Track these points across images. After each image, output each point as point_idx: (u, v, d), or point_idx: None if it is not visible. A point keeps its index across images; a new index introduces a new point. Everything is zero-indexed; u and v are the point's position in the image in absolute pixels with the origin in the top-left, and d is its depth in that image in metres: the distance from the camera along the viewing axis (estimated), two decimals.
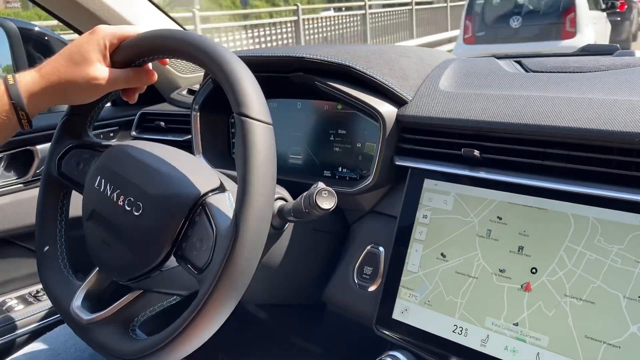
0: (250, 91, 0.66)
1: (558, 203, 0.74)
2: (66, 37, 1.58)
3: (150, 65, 0.84)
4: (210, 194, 0.71)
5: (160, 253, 0.70)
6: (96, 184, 0.79)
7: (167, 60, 0.84)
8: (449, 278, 0.80)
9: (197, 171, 0.75)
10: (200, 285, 0.64)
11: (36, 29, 1.45)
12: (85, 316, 0.80)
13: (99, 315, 0.78)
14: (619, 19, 8.73)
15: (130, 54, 0.79)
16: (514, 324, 0.73)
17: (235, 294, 0.62)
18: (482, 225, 0.79)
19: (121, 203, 0.74)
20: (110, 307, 0.78)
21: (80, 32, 1.36)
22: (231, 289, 0.61)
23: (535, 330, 0.72)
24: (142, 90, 0.87)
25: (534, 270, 0.73)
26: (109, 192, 0.76)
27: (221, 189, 0.73)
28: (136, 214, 0.72)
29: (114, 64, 0.79)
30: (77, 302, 0.82)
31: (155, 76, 0.85)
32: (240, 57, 0.71)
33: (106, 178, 0.78)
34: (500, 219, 0.77)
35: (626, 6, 8.44)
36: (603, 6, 8.17)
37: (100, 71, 0.77)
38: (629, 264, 0.67)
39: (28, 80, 0.76)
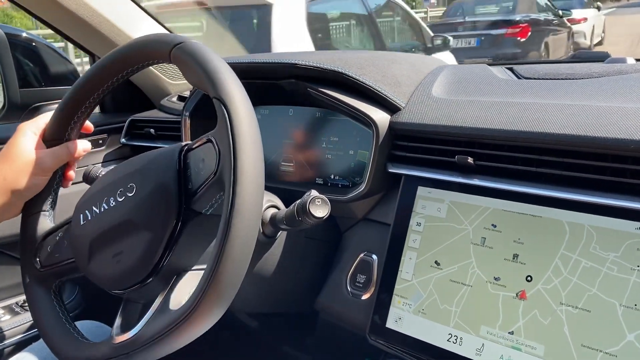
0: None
1: (553, 210, 0.73)
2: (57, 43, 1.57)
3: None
4: (192, 145, 0.71)
5: (172, 211, 0.68)
6: (82, 222, 0.76)
7: (91, 127, 0.90)
8: (443, 286, 0.80)
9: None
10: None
11: (24, 34, 1.44)
12: (127, 335, 0.70)
13: (135, 331, 0.69)
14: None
15: (60, 127, 0.84)
16: (509, 333, 0.73)
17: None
18: (476, 233, 0.78)
19: (113, 202, 0.72)
20: (142, 321, 0.70)
21: (68, 37, 1.34)
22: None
23: (531, 339, 0.71)
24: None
25: (529, 278, 0.73)
26: (97, 211, 0.74)
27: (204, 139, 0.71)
28: (131, 194, 0.71)
29: (49, 144, 0.84)
30: (116, 332, 0.73)
31: (89, 146, 0.90)
32: (230, 63, 0.70)
33: (87, 207, 0.76)
34: (495, 226, 0.77)
35: (529, 33, 7.32)
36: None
37: (43, 156, 0.82)
38: (624, 272, 0.67)
39: None
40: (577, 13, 9.86)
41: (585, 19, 10.15)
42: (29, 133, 0.84)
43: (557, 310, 0.70)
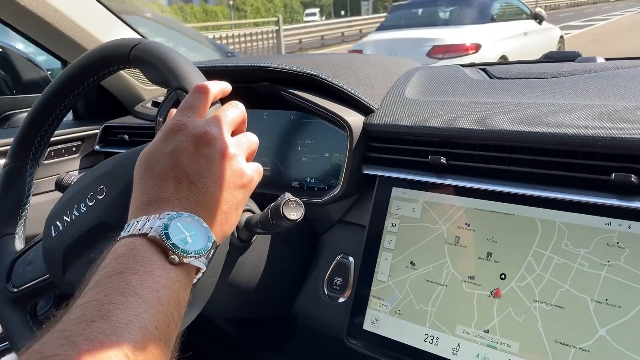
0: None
1: (525, 208, 0.74)
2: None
3: None
4: None
5: None
6: (53, 233, 0.75)
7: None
8: (419, 286, 0.80)
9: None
10: None
11: None
12: None
13: None
14: None
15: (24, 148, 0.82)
16: (484, 331, 0.73)
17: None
18: (450, 232, 0.79)
19: (84, 208, 0.71)
20: None
21: (37, 43, 1.32)
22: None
23: (506, 336, 0.71)
24: None
25: (502, 276, 0.73)
26: (68, 220, 0.73)
27: None
28: (101, 197, 0.70)
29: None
30: None
31: None
32: (203, 67, 0.70)
33: (57, 217, 0.75)
34: (469, 225, 0.77)
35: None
36: None
37: None
38: (595, 267, 0.67)
39: None
40: (460, 34, 6.86)
41: (476, 47, 6.56)
42: None
43: (530, 308, 0.70)
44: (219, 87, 0.63)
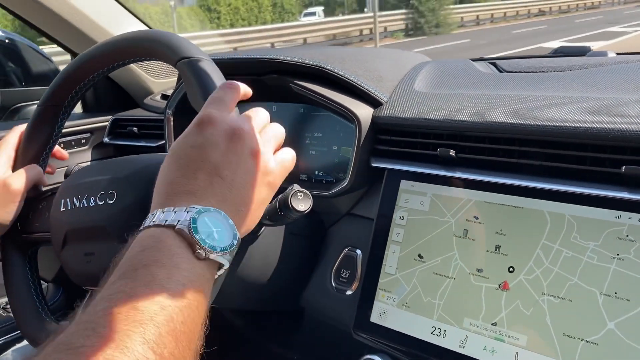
0: (177, 40, 0.68)
1: (534, 201, 0.73)
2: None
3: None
4: None
5: None
6: (62, 207, 0.75)
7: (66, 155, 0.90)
8: (427, 279, 0.80)
9: (158, 153, 0.75)
10: None
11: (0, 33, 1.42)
12: None
13: None
14: None
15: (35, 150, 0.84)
16: (492, 324, 0.73)
17: None
18: (458, 225, 0.78)
19: (93, 203, 0.71)
20: None
21: (48, 35, 1.33)
22: None
23: (514, 329, 0.71)
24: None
25: (511, 269, 0.73)
26: (77, 204, 0.73)
27: None
28: (111, 202, 0.70)
29: (18, 166, 0.83)
30: None
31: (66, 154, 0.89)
32: (213, 59, 0.70)
33: (70, 195, 0.75)
34: (477, 218, 0.77)
35: None
36: None
37: (13, 181, 0.80)
38: (604, 261, 0.67)
39: None
40: None
41: None
42: (4, 158, 0.82)
43: (539, 301, 0.70)
44: (245, 88, 0.63)
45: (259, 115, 0.60)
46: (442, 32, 19.40)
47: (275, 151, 0.60)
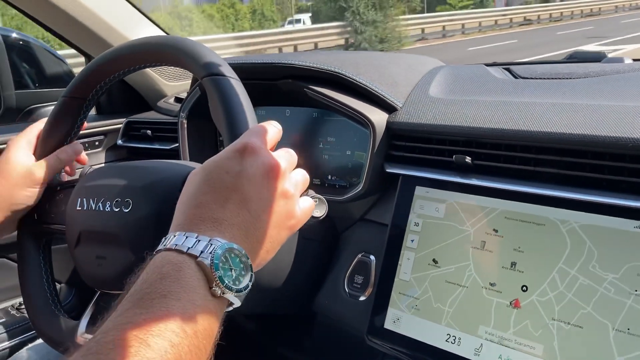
0: (209, 55, 0.67)
1: (551, 209, 0.73)
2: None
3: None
4: None
5: (159, 243, 0.67)
6: (77, 206, 0.75)
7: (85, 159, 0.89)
8: (439, 286, 0.79)
9: (177, 161, 0.75)
10: None
11: (14, 35, 1.43)
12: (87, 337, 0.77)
13: None
14: None
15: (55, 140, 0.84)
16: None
17: None
18: (477, 236, 0.78)
19: (108, 208, 0.71)
20: None
21: (63, 38, 1.34)
22: None
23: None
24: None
25: (524, 288, 0.72)
26: (93, 206, 0.74)
27: None
28: (126, 210, 0.69)
29: (40, 156, 0.83)
30: (81, 329, 0.79)
31: (81, 147, 0.88)
32: (228, 64, 0.70)
33: (86, 195, 0.75)
34: (496, 232, 0.76)
35: None
36: None
37: (36, 169, 0.81)
38: (622, 295, 0.65)
39: None
40: None
41: None
42: (22, 145, 0.82)
43: (548, 324, 0.69)
44: (281, 132, 0.63)
45: (292, 157, 0.59)
46: (390, 47, 15.80)
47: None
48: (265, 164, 0.54)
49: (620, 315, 0.65)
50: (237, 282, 0.48)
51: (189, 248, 0.48)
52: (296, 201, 0.58)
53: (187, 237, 0.49)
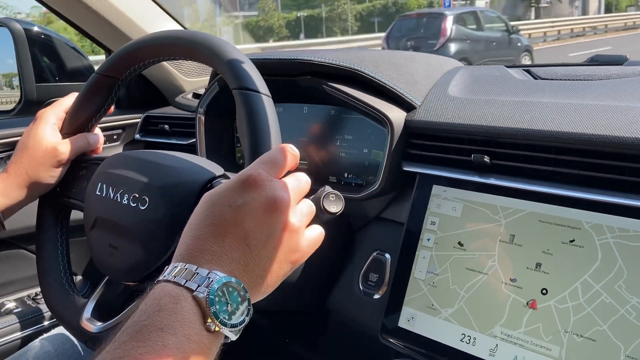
0: (245, 66, 0.67)
1: (570, 210, 0.72)
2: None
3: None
4: (214, 182, 0.70)
5: (170, 245, 0.68)
6: (97, 191, 0.77)
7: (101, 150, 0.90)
8: (459, 269, 0.79)
9: (198, 162, 0.74)
10: None
11: (35, 28, 1.44)
12: (96, 326, 0.78)
13: (110, 324, 0.77)
14: None
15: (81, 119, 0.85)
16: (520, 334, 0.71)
17: None
18: (507, 228, 0.76)
19: (125, 201, 0.72)
20: (122, 313, 0.76)
21: (86, 33, 1.35)
22: None
23: None
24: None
25: (544, 290, 0.71)
26: (111, 195, 0.75)
27: (224, 176, 0.72)
28: (142, 208, 0.70)
29: (66, 135, 0.84)
30: (86, 314, 0.80)
31: (102, 138, 0.90)
32: (249, 59, 0.70)
33: (107, 182, 0.76)
34: (524, 230, 0.75)
35: None
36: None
37: (62, 147, 0.82)
38: None
39: None
40: None
41: None
42: (51, 122, 0.82)
43: (560, 332, 0.68)
44: (298, 158, 0.61)
45: (301, 183, 0.58)
46: None
47: (306, 226, 0.58)
48: (269, 198, 0.53)
49: (636, 341, 0.64)
50: (232, 317, 0.48)
51: (186, 281, 0.48)
52: (301, 234, 0.56)
53: (186, 269, 0.49)
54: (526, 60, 10.85)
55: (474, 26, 10.60)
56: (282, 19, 28.85)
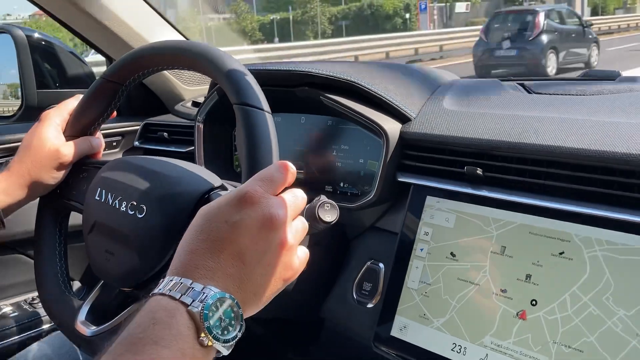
0: (246, 81, 0.68)
1: (561, 223, 0.73)
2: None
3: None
4: (212, 193, 0.71)
5: (165, 254, 0.69)
6: (96, 196, 0.78)
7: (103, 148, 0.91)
8: (452, 279, 0.80)
9: (197, 172, 0.75)
10: None
11: (36, 35, 1.46)
12: (89, 330, 0.79)
13: (103, 328, 0.77)
14: None
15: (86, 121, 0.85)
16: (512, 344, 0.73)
17: None
18: (499, 240, 0.78)
19: (124, 208, 0.73)
20: (116, 318, 0.77)
21: (87, 41, 1.37)
22: None
23: None
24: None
25: (534, 302, 0.73)
26: (110, 201, 0.76)
27: (222, 188, 0.73)
28: (140, 216, 0.71)
29: (69, 137, 0.84)
30: (81, 316, 0.81)
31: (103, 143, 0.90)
32: (248, 70, 0.71)
33: (106, 188, 0.77)
34: (515, 242, 0.76)
35: None
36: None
37: (65, 150, 0.82)
38: (628, 333, 0.65)
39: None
40: None
41: None
42: (55, 123, 0.83)
43: (549, 343, 0.70)
44: (295, 175, 0.61)
45: (297, 200, 0.59)
46: None
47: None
48: (265, 215, 0.54)
49: (622, 353, 0.65)
50: (225, 333, 0.49)
51: (181, 295, 0.49)
52: (294, 252, 0.57)
53: (181, 284, 0.50)
54: (594, 50, 12.64)
55: (557, 20, 12.05)
56: (256, 21, 28.49)
